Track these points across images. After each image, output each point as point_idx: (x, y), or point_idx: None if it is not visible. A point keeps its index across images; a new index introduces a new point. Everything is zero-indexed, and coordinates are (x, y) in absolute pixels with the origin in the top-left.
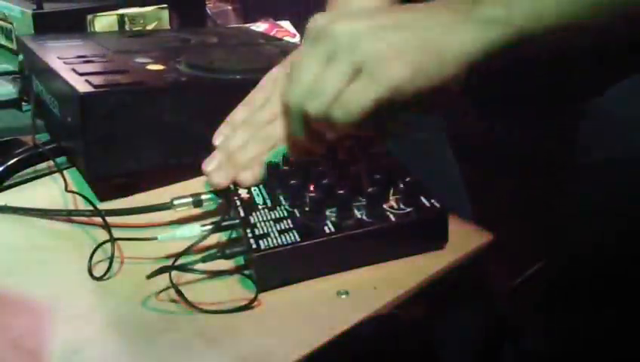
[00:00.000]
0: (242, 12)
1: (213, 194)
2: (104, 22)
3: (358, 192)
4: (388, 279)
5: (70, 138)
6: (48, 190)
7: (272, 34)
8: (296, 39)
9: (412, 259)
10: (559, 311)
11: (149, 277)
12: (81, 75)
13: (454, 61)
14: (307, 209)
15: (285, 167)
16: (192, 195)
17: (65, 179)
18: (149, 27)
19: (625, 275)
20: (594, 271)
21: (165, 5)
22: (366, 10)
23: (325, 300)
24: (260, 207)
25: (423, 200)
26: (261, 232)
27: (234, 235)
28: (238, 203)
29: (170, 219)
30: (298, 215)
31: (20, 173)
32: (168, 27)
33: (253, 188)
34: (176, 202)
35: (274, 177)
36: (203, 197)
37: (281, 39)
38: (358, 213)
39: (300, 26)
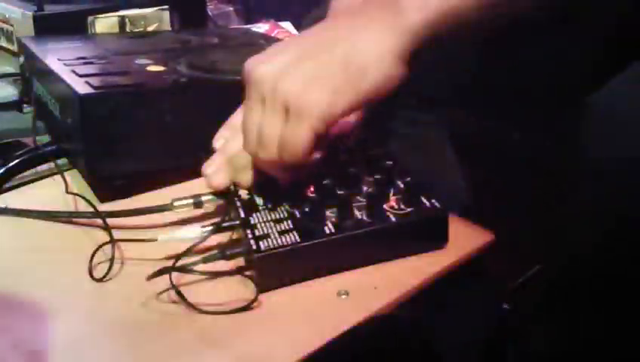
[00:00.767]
0: (244, 13)
1: (213, 195)
2: (105, 23)
3: (357, 193)
4: (388, 279)
5: (70, 139)
6: (49, 191)
7: (273, 35)
8: None
9: (412, 259)
10: (559, 311)
11: (149, 278)
12: (82, 76)
13: (375, 64)
14: (307, 209)
15: None
16: (192, 196)
17: (65, 181)
18: (150, 28)
19: (625, 275)
20: (594, 271)
21: (166, 7)
22: (280, 44)
23: (326, 300)
24: (260, 207)
25: (423, 200)
26: (261, 233)
27: (234, 236)
28: (239, 204)
29: (170, 220)
30: (298, 216)
31: (20, 175)
32: (169, 28)
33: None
34: (176, 203)
35: (274, 178)
36: (203, 198)
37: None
38: (358, 214)
39: (301, 26)
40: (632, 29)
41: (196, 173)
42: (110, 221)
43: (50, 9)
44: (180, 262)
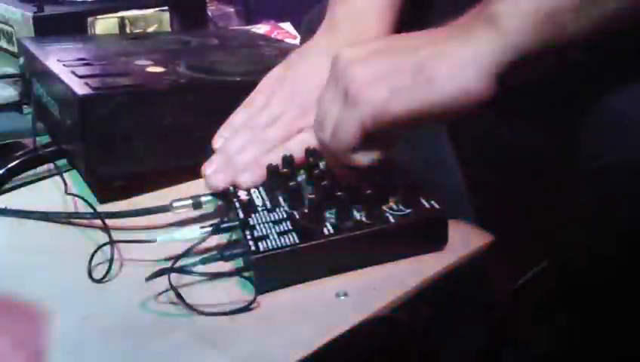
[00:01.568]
0: (244, 14)
1: (212, 196)
2: (105, 24)
3: (356, 194)
4: (387, 280)
5: (70, 140)
6: (48, 192)
7: (273, 36)
8: (297, 41)
9: (411, 261)
10: (560, 312)
11: (148, 279)
12: (81, 77)
13: (447, 76)
14: (306, 210)
15: (284, 169)
16: (191, 197)
17: (65, 182)
18: (150, 29)
19: (625, 276)
20: (594, 272)
21: (166, 8)
22: (375, 38)
23: (324, 301)
24: (259, 208)
25: (423, 201)
26: (260, 234)
27: (233, 237)
28: (238, 205)
29: (169, 221)
30: (297, 217)
31: (20, 176)
32: (169, 29)
33: (252, 190)
34: (175, 204)
35: (273, 179)
36: (202, 199)
37: (281, 41)
38: (357, 215)
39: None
40: None
41: (195, 174)
42: (109, 222)
43: (50, 10)
44: (179, 263)
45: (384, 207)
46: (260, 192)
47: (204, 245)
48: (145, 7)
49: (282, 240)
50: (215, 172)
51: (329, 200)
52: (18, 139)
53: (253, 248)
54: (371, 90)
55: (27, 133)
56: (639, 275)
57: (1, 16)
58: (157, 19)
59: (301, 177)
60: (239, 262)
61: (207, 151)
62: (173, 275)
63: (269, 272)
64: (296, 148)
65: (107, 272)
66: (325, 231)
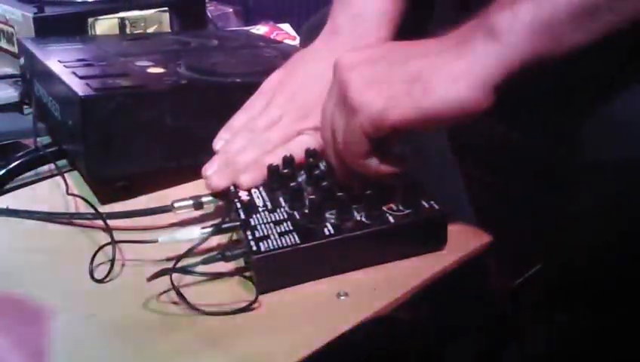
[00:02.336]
0: (243, 14)
1: (213, 196)
2: (105, 25)
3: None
4: (387, 280)
5: (71, 141)
6: (49, 193)
7: (272, 36)
8: (296, 42)
9: (411, 261)
10: (559, 312)
11: (149, 279)
12: (82, 78)
13: (443, 86)
14: (307, 211)
15: (285, 170)
16: (192, 198)
17: (66, 182)
18: (150, 30)
19: (625, 275)
20: (594, 271)
21: (166, 8)
22: (373, 45)
23: (325, 301)
24: (260, 209)
25: (422, 201)
26: (261, 234)
27: (234, 237)
28: (239, 205)
29: (170, 221)
30: (298, 217)
31: (21, 176)
32: (169, 30)
33: (253, 191)
34: (176, 204)
35: (274, 179)
36: (203, 199)
37: (281, 42)
38: (357, 215)
39: (299, 28)
40: None
41: (196, 175)
42: (111, 222)
43: (50, 11)
44: (181, 263)
45: (384, 208)
46: (260, 193)
47: (206, 245)
48: (145, 8)
49: (283, 240)
50: (216, 172)
51: (329, 201)
52: (19, 139)
53: (254, 248)
54: (368, 96)
55: (28, 133)
56: (639, 275)
57: (1, 17)
58: (157, 20)
59: (301, 178)
60: (240, 262)
61: (208, 152)
62: (174, 275)
63: (270, 272)
64: (297, 149)
65: (109, 272)
66: (326, 231)
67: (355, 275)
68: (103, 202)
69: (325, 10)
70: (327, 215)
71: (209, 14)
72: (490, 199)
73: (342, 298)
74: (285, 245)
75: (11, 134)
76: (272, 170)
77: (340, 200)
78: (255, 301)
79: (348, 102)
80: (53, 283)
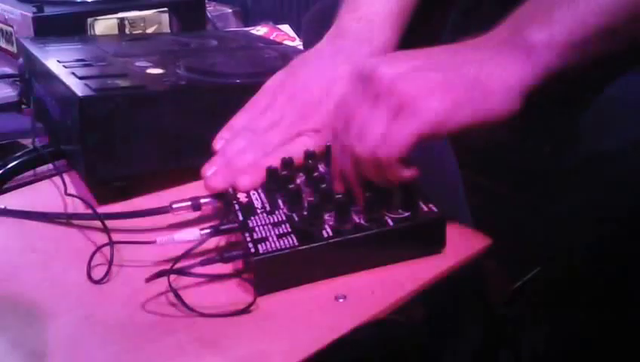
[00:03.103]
0: (242, 15)
1: (212, 198)
2: (104, 25)
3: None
4: (386, 283)
5: (70, 141)
6: (48, 193)
7: (271, 37)
8: (296, 43)
9: (410, 264)
10: (559, 312)
11: (147, 280)
12: (81, 78)
13: (500, 93)
14: (305, 213)
15: (284, 172)
16: (190, 199)
17: (64, 182)
18: (149, 30)
19: (624, 275)
20: (592, 271)
21: (165, 9)
22: (407, 52)
23: (323, 304)
24: (258, 211)
25: (421, 204)
26: (260, 236)
27: (233, 239)
28: (237, 207)
29: (169, 222)
30: (296, 219)
31: (19, 176)
32: (168, 31)
33: (251, 193)
34: (175, 206)
35: (273, 182)
36: (202, 200)
37: (280, 43)
38: (356, 218)
39: (299, 29)
40: None
41: (195, 176)
42: (109, 223)
43: (49, 10)
44: (179, 265)
45: (383, 210)
46: (259, 195)
47: (204, 247)
48: (144, 8)
49: (281, 242)
50: (215, 173)
51: (328, 203)
52: (17, 139)
53: (252, 250)
54: (431, 101)
55: (26, 133)
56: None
57: (0, 16)
58: (156, 20)
59: (300, 180)
60: (239, 264)
61: (207, 153)
62: (172, 277)
63: (269, 274)
64: (296, 151)
65: (106, 273)
66: (324, 233)
67: (354, 278)
68: (101, 203)
69: (320, 5)
70: (326, 217)
71: (208, 15)
72: (489, 201)
73: (340, 300)
74: (284, 247)
75: (10, 134)
76: (270, 171)
77: (339, 202)
78: (253, 303)
79: (407, 106)
80: (51, 284)
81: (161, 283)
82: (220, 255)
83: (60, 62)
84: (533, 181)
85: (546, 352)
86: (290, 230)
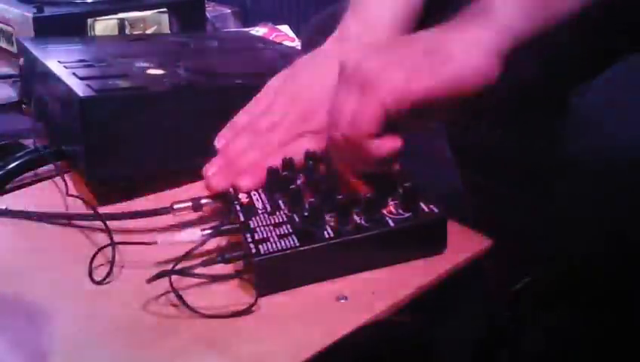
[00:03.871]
0: (242, 15)
1: (213, 198)
2: (104, 26)
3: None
4: (387, 284)
5: (71, 141)
6: (49, 193)
7: (271, 38)
8: (295, 43)
9: (411, 264)
10: (559, 312)
11: (149, 281)
12: (82, 79)
13: (461, 55)
14: (306, 214)
15: (285, 172)
16: (191, 199)
17: (65, 183)
18: (149, 31)
19: (624, 275)
20: (593, 271)
21: (165, 9)
22: (380, 42)
23: (324, 305)
24: (259, 211)
25: (422, 205)
26: (261, 237)
27: (234, 240)
28: (238, 207)
29: (170, 223)
30: (297, 220)
31: (20, 177)
32: (168, 31)
33: (252, 193)
34: (176, 206)
35: (273, 182)
36: (203, 201)
37: (280, 43)
38: (356, 219)
39: (298, 30)
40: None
41: (196, 176)
42: (110, 223)
43: (50, 11)
44: (180, 265)
45: (384, 211)
46: (260, 195)
47: (205, 247)
48: (144, 9)
49: (283, 243)
50: (216, 174)
51: (329, 204)
52: (18, 139)
53: (253, 251)
54: (391, 72)
55: (27, 133)
56: (638, 275)
57: (1, 17)
58: (156, 21)
59: (301, 180)
60: (240, 265)
61: (207, 153)
62: (173, 277)
63: (270, 275)
64: (297, 152)
65: (108, 274)
66: (325, 234)
67: (355, 278)
68: (103, 203)
69: (330, 10)
70: (327, 218)
71: (207, 15)
72: (489, 202)
73: (341, 301)
74: (285, 248)
75: (10, 134)
76: (271, 172)
77: (340, 203)
78: (254, 303)
79: (368, 82)
80: (53, 285)
81: (163, 284)
82: (221, 255)
83: (60, 62)
84: (533, 181)
85: (546, 352)
86: (291, 230)
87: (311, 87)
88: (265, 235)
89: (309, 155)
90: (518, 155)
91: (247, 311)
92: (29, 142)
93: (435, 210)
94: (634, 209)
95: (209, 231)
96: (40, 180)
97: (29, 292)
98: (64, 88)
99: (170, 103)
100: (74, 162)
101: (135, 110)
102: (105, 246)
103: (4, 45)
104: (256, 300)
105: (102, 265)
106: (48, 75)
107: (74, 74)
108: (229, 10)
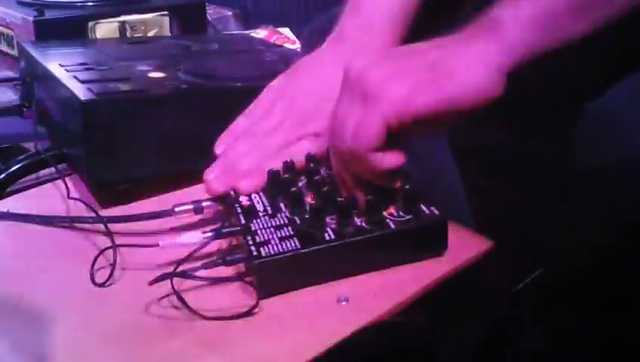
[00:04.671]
0: (242, 17)
1: (214, 201)
2: (105, 29)
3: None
4: (388, 286)
5: (72, 145)
6: (50, 197)
7: (271, 40)
8: (296, 46)
9: (412, 266)
10: (560, 313)
11: (151, 283)
12: (84, 82)
13: (465, 70)
14: (307, 216)
15: (286, 175)
16: (193, 202)
17: (67, 186)
18: (150, 34)
19: (625, 277)
20: (594, 272)
21: (166, 12)
22: (385, 50)
23: (326, 307)
24: (260, 214)
25: (423, 207)
26: (262, 239)
27: (235, 242)
28: (239, 210)
29: (171, 225)
30: (298, 222)
31: (21, 180)
32: (169, 34)
33: (253, 196)
34: (177, 209)
35: (274, 185)
36: (204, 204)
37: (281, 46)
38: (357, 221)
39: (299, 32)
40: (632, 39)
41: (197, 179)
42: (111, 226)
43: (50, 14)
44: (181, 268)
45: (384, 213)
46: (261, 198)
47: (206, 250)
48: (145, 12)
49: (283, 245)
50: (216, 177)
51: (330, 206)
52: (19, 142)
53: (254, 253)
54: (393, 85)
55: (28, 136)
56: (638, 277)
57: (1, 20)
58: (157, 24)
59: (302, 183)
60: (241, 267)
61: (209, 156)
62: (175, 280)
63: (271, 277)
64: (297, 155)
65: (109, 276)
66: (326, 236)
67: (356, 280)
68: (104, 206)
69: (330, 13)
70: (328, 220)
71: (208, 17)
72: (490, 203)
73: (342, 303)
74: (286, 250)
75: (11, 138)
76: (272, 175)
77: (341, 205)
78: (256, 306)
79: (371, 94)
80: (54, 287)
81: (164, 286)
82: (223, 258)
83: (61, 65)
84: (535, 183)
85: (547, 353)
86: (292, 233)
87: (309, 91)
88: (266, 238)
89: (310, 158)
90: (519, 157)
91: (248, 313)
92: (30, 145)
93: (436, 212)
94: (634, 211)
95: (210, 234)
96: (41, 183)
97: (31, 295)
98: (65, 91)
99: (171, 106)
100: (75, 165)
101: (136, 113)
102: (106, 249)
103: (4, 48)
104: (257, 302)
105: (103, 267)
106: (49, 79)
107: (75, 77)
108: (230, 12)
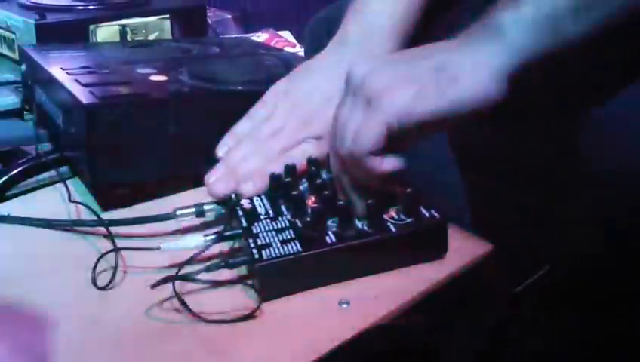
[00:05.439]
0: (242, 21)
1: (215, 204)
2: (106, 32)
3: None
4: (388, 289)
5: (74, 148)
6: (51, 200)
7: (272, 44)
8: (296, 49)
9: (412, 269)
10: (560, 314)
11: (153, 286)
12: (85, 86)
13: (468, 75)
14: (309, 219)
15: (287, 178)
16: (194, 205)
17: (68, 189)
18: (151, 37)
19: (626, 278)
20: (594, 274)
21: (167, 15)
22: (388, 55)
23: (327, 310)
24: (262, 217)
25: (423, 210)
26: (263, 242)
27: (236, 245)
28: (241, 213)
29: (173, 228)
30: (300, 225)
31: (22, 183)
32: (170, 37)
33: (255, 199)
34: (179, 212)
35: (276, 188)
36: (206, 207)
37: (281, 49)
38: (358, 224)
39: (299, 36)
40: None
41: (199, 182)
42: (113, 229)
43: (51, 17)
44: (183, 271)
45: (385, 217)
46: (262, 201)
47: (208, 253)
48: (146, 15)
49: (285, 248)
50: (218, 180)
51: (331, 209)
52: (20, 146)
53: (256, 256)
54: (396, 91)
55: (29, 140)
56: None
57: (2, 23)
58: (158, 27)
59: (303, 186)
60: (243, 270)
61: (210, 159)
62: (177, 283)
63: (272, 280)
64: (298, 158)
65: (111, 280)
66: (327, 239)
67: (357, 283)
68: (105, 209)
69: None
70: (329, 223)
71: (209, 21)
72: (491, 204)
73: (343, 306)
74: (287, 253)
75: (12, 141)
76: (274, 178)
77: (342, 208)
78: (257, 308)
79: (374, 99)
80: (56, 291)
81: (166, 290)
82: (225, 261)
83: (63, 69)
84: (535, 184)
85: (547, 354)
86: (293, 236)
87: (311, 94)
88: (267, 241)
89: (312, 161)
90: (520, 158)
91: (250, 316)
92: (31, 149)
93: (436, 216)
94: (634, 212)
95: (212, 237)
96: (42, 186)
97: (32, 299)
98: (67, 95)
99: (173, 110)
100: (76, 168)
101: (138, 116)
102: (108, 252)
103: (5, 52)
104: (259, 305)
105: (105, 270)
106: (51, 82)
107: (77, 81)
108: (230, 16)
